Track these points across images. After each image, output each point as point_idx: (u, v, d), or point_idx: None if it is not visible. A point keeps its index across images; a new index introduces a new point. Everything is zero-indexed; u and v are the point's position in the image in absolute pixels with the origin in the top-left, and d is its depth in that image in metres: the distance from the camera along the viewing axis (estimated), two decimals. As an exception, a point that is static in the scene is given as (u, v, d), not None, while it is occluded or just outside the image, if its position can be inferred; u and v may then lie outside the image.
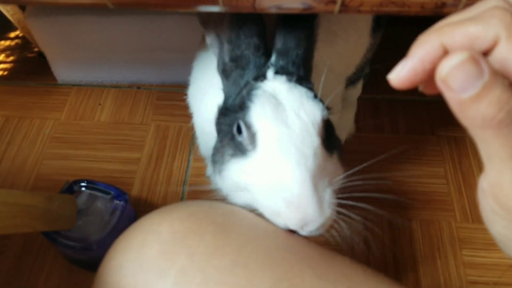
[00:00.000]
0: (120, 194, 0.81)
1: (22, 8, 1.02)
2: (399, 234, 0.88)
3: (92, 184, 0.83)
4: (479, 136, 0.33)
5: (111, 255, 0.49)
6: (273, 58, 0.59)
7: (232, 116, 0.57)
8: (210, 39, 0.63)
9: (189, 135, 1.02)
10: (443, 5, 0.51)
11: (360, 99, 0.98)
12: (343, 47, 0.78)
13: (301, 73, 0.59)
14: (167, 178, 0.96)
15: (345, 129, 1.00)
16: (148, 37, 1.00)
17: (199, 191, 0.94)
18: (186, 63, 1.06)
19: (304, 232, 0.49)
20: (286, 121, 0.53)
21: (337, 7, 0.51)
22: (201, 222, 0.48)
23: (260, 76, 0.58)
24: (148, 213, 0.51)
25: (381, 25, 0.87)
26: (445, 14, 0.54)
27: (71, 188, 0.82)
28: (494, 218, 0.36)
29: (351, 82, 0.94)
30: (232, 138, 0.56)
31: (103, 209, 0.81)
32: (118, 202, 0.81)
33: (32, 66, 1.16)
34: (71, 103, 1.09)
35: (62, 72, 1.10)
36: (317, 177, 0.51)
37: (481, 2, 0.35)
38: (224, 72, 0.62)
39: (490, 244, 0.86)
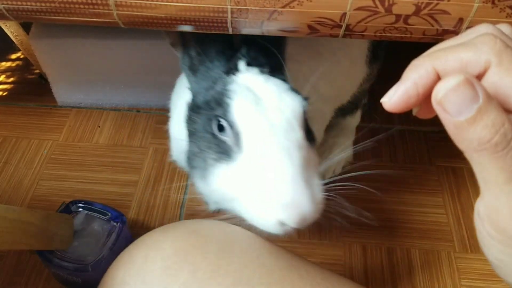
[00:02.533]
0: (118, 215, 0.81)
1: (26, 30, 1.03)
2: (398, 263, 0.87)
3: (89, 205, 0.82)
4: (475, 160, 0.33)
5: (113, 269, 0.48)
6: (243, 49, 0.58)
7: (205, 114, 0.55)
8: (172, 39, 0.61)
9: (187, 159, 1.02)
10: (444, 32, 0.52)
11: (358, 128, 0.99)
12: (331, 70, 0.77)
13: (273, 64, 0.58)
14: (164, 201, 0.95)
15: (343, 156, 1.00)
16: (148, 60, 1.01)
17: (196, 214, 0.93)
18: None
19: (300, 226, 0.48)
20: (268, 117, 0.52)
21: (341, 31, 0.52)
22: (204, 240, 0.48)
23: (232, 69, 0.56)
24: (151, 230, 0.51)
25: (378, 57, 0.88)
26: (446, 41, 0.55)
27: (68, 208, 0.81)
28: (490, 243, 0.36)
29: (348, 111, 0.95)
30: (212, 138, 0.53)
31: (100, 231, 0.80)
32: (115, 223, 0.80)
33: (32, 88, 1.17)
34: (70, 124, 1.09)
35: (63, 93, 1.10)
36: (304, 170, 0.50)
37: (472, 28, 0.36)
38: (192, 68, 0.60)
39: (489, 274, 0.85)
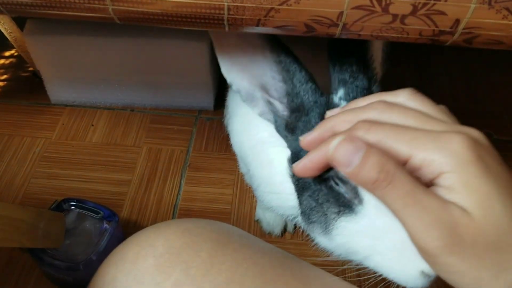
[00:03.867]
0: (110, 214, 0.80)
1: (20, 26, 1.03)
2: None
3: (81, 203, 0.81)
4: (377, 197, 0.40)
5: (104, 267, 0.47)
6: (340, 91, 0.57)
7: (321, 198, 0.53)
8: (259, 109, 0.61)
9: (181, 159, 1.01)
10: (441, 33, 0.53)
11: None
12: None
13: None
14: (157, 201, 0.95)
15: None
16: (144, 59, 1.01)
17: (189, 214, 0.93)
18: (181, 87, 1.07)
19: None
20: None
21: (338, 31, 0.52)
22: (197, 238, 0.47)
23: None
24: (144, 228, 0.50)
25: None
26: (441, 42, 0.56)
27: (60, 206, 0.80)
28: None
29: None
30: (329, 191, 0.52)
31: (92, 230, 0.80)
32: (107, 222, 0.79)
33: (25, 86, 1.16)
34: (63, 123, 1.08)
35: (56, 91, 1.09)
36: None
37: (365, 97, 0.49)
38: (288, 127, 0.59)
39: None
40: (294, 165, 0.47)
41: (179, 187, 0.97)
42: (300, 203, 0.56)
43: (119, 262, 0.46)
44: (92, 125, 1.07)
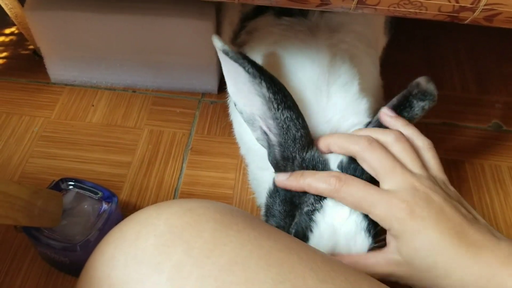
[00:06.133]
0: (110, 195, 0.78)
1: (21, 2, 1.00)
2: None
3: (80, 183, 0.79)
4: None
5: (103, 245, 0.45)
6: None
7: (286, 213, 0.64)
8: (257, 134, 0.66)
9: (183, 142, 0.99)
10: (461, 9, 0.50)
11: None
12: None
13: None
14: (158, 184, 0.92)
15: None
16: (146, 38, 0.98)
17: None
18: (184, 68, 1.04)
19: None
20: (335, 249, 0.60)
21: (353, 4, 0.50)
22: (200, 218, 0.45)
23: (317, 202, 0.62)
24: (145, 207, 0.48)
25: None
26: (461, 20, 0.53)
27: (58, 186, 0.78)
28: None
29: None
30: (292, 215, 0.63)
31: (90, 210, 0.77)
32: (106, 203, 0.77)
33: (25, 64, 1.13)
34: (63, 102, 1.05)
35: (56, 70, 1.07)
36: None
37: (357, 131, 0.66)
38: (277, 167, 0.65)
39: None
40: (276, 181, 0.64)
41: (181, 170, 0.95)
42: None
43: (118, 241, 0.44)
44: (93, 106, 1.05)
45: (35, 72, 1.11)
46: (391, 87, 1.11)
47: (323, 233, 0.59)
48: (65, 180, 0.79)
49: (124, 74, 1.06)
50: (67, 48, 1.02)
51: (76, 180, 0.79)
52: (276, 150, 0.63)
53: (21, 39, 1.17)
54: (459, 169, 0.98)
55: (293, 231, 0.61)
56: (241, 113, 0.64)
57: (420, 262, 0.55)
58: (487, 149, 1.02)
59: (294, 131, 0.60)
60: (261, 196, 0.72)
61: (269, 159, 0.65)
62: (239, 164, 0.96)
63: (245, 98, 0.62)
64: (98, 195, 0.78)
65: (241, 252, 0.43)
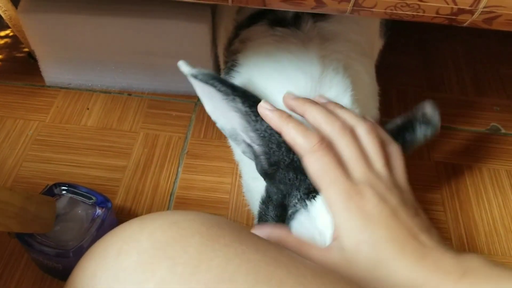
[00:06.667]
0: (103, 200, 0.77)
1: (15, 4, 0.99)
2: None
3: (73, 188, 0.78)
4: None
5: (84, 262, 0.43)
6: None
7: (278, 218, 0.63)
8: (242, 148, 0.66)
9: (179, 146, 0.98)
10: (460, 11, 0.49)
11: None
12: None
13: None
14: (153, 188, 0.91)
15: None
16: (142, 41, 0.97)
17: (186, 203, 0.90)
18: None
19: None
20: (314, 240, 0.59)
21: (349, 6, 0.49)
22: (185, 232, 0.43)
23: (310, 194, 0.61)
24: (128, 220, 0.46)
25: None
26: (459, 22, 0.52)
27: (51, 191, 0.77)
28: None
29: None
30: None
31: (84, 216, 0.76)
32: (100, 209, 0.76)
33: (20, 67, 1.12)
34: (57, 105, 1.04)
35: (51, 73, 1.06)
36: None
37: (337, 106, 0.63)
38: (267, 175, 0.64)
39: (487, 275, 0.82)
40: None
41: (176, 174, 0.94)
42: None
43: (100, 258, 0.42)
44: (88, 109, 1.04)
45: (30, 75, 1.10)
46: (388, 91, 1.11)
47: (304, 220, 0.59)
48: (59, 185, 0.78)
49: (120, 76, 1.05)
50: (62, 51, 1.01)
51: (69, 185, 0.78)
52: (262, 160, 0.63)
53: (16, 42, 1.16)
54: (457, 173, 0.97)
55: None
56: (222, 130, 0.65)
57: (362, 258, 0.52)
58: (485, 153, 1.01)
59: (277, 137, 0.60)
60: (256, 206, 0.71)
61: (257, 170, 0.65)
62: (235, 168, 0.95)
63: (223, 116, 0.63)
64: (92, 200, 0.76)
65: (228, 267, 0.41)
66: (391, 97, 1.10)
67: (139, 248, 0.41)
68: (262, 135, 0.61)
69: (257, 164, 0.65)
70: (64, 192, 0.78)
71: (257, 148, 0.63)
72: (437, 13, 0.49)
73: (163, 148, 0.98)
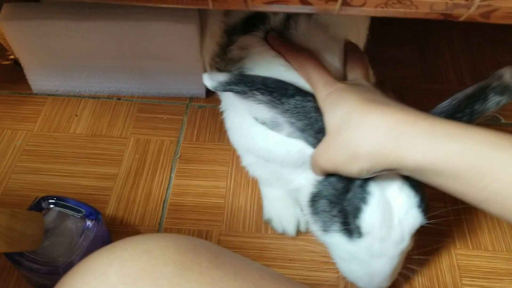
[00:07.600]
0: (93, 213, 0.74)
1: (-3, 12, 0.96)
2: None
3: (61, 201, 0.75)
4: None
5: None
6: None
7: (341, 190, 0.63)
8: (286, 132, 0.66)
9: (171, 150, 0.95)
10: (454, 6, 0.46)
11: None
12: None
13: None
14: (146, 196, 0.89)
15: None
16: (129, 44, 0.94)
17: (180, 210, 0.87)
18: (170, 73, 1.00)
19: None
20: (390, 226, 0.61)
21: (337, 6, 0.46)
22: (158, 262, 0.40)
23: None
24: (98, 250, 0.43)
25: None
26: (455, 17, 0.49)
27: (39, 205, 0.75)
28: None
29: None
30: (340, 213, 0.64)
31: (73, 229, 0.74)
32: (90, 221, 0.73)
33: (6, 75, 1.09)
34: (45, 113, 1.02)
35: (38, 80, 1.03)
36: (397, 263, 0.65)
37: None
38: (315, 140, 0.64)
39: (492, 272, 0.80)
40: None
41: (169, 180, 0.91)
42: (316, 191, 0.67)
43: None
44: (76, 115, 1.01)
45: (17, 83, 1.07)
46: (385, 82, 1.08)
47: (379, 205, 0.60)
48: (46, 198, 0.75)
49: (108, 81, 1.02)
50: (47, 58, 0.98)
51: (57, 198, 0.76)
52: (309, 133, 0.63)
53: (1, 49, 1.13)
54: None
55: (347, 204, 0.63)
56: (264, 124, 0.65)
57: (340, 124, 0.57)
58: (486, 145, 0.98)
59: (310, 105, 0.61)
60: (300, 196, 0.72)
61: (309, 144, 0.64)
62: (230, 171, 0.92)
63: (256, 111, 0.64)
64: (81, 213, 0.74)
65: None
66: (386, 89, 1.07)
67: (107, 283, 0.39)
68: (295, 111, 0.62)
69: (306, 140, 0.64)
70: (51, 206, 0.75)
71: (299, 124, 0.62)
72: (431, 9, 0.47)
73: (155, 153, 0.95)
